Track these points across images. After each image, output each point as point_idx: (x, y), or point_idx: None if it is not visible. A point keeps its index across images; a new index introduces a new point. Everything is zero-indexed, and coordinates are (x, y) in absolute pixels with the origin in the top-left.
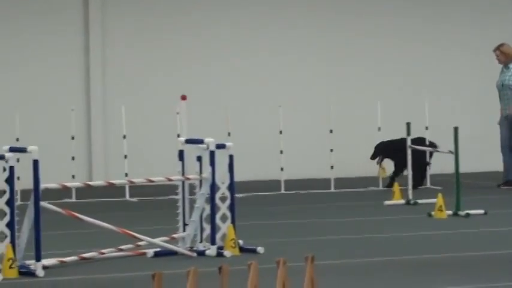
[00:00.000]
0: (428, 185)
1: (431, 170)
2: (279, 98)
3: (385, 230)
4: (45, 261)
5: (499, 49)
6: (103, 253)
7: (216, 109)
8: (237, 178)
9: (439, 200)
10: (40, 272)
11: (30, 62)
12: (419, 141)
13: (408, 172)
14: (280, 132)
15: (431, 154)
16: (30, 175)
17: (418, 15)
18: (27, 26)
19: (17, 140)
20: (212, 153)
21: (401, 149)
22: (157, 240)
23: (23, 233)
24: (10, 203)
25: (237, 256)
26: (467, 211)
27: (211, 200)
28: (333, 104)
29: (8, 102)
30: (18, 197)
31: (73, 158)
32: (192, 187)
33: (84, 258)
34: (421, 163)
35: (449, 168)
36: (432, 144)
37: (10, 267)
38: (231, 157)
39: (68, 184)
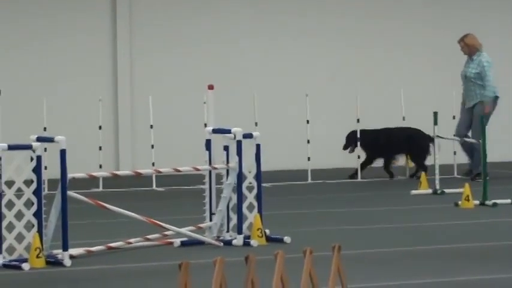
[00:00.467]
0: (455, 174)
1: (458, 160)
2: (307, 87)
3: (412, 219)
4: (72, 251)
5: (463, 40)
6: (130, 243)
7: (243, 99)
8: (263, 168)
9: (466, 190)
10: (67, 262)
11: (57, 53)
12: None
13: (435, 161)
14: (307, 121)
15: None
16: (57, 165)
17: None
18: (55, 17)
19: (45, 129)
20: (239, 143)
21: (374, 139)
22: (184, 230)
23: (50, 223)
24: (37, 192)
25: (263, 246)
26: (494, 201)
27: (238, 189)
28: (360, 93)
29: (36, 92)
30: (45, 186)
31: (100, 148)
32: (218, 177)
33: (111, 248)
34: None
35: None
36: (430, 137)
37: (37, 257)
38: (257, 147)
39: (95, 174)
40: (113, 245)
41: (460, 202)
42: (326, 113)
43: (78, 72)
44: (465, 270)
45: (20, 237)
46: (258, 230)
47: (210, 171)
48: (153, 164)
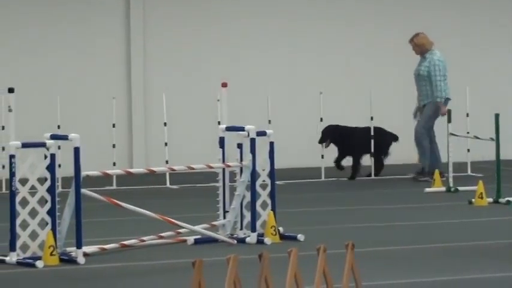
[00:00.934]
0: (469, 172)
1: (472, 158)
2: (321, 84)
3: (425, 217)
4: (86, 249)
5: (413, 40)
6: (143, 240)
7: (257, 96)
8: (277, 165)
9: (479, 187)
10: (81, 259)
11: (71, 51)
12: (379, 131)
13: (448, 159)
14: (321, 119)
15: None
16: (71, 163)
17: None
18: (69, 16)
19: (58, 127)
20: (253, 141)
21: (348, 136)
22: (197, 228)
23: (64, 220)
24: (51, 190)
25: (277, 243)
26: (508, 198)
27: (251, 187)
28: (373, 90)
29: (50, 90)
30: (59, 184)
31: (114, 146)
32: (232, 174)
33: (124, 246)
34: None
35: (490, 156)
36: (394, 136)
37: (51, 255)
38: (271, 144)
39: (109, 171)
40: (126, 242)
41: (473, 200)
42: (340, 111)
43: (91, 71)
44: (479, 268)
45: (33, 235)
46: (271, 227)
47: (223, 169)
48: (166, 162)
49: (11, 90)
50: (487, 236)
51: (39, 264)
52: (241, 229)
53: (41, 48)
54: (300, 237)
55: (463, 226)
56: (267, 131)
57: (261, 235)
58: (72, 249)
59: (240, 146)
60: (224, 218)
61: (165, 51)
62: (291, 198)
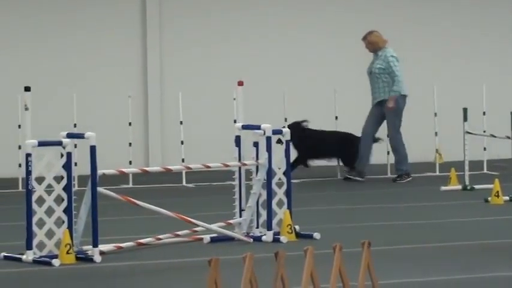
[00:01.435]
0: (485, 170)
1: (488, 156)
2: (336, 82)
3: (442, 215)
4: (102, 247)
5: (366, 38)
6: (159, 239)
7: (273, 95)
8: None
9: (495, 186)
10: (97, 258)
11: (87, 49)
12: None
13: (465, 157)
14: (336, 118)
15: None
16: (87, 161)
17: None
18: (85, 13)
19: (75, 126)
20: (269, 139)
21: (306, 138)
22: (213, 226)
23: (80, 219)
24: (67, 188)
25: (293, 242)
26: None
27: (267, 185)
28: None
29: (66, 89)
30: (75, 182)
31: (130, 144)
32: (248, 173)
33: (140, 244)
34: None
35: (506, 154)
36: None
37: (67, 253)
38: (287, 143)
39: (125, 170)
40: (142, 241)
41: (489, 198)
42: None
43: (108, 69)
44: (495, 267)
45: (50, 234)
46: (287, 226)
47: (239, 168)
48: (182, 160)
49: (27, 89)
50: (503, 234)
51: (56, 262)
52: (257, 227)
53: (58, 46)
54: (316, 235)
55: (478, 224)
56: (283, 129)
57: (277, 233)
58: (88, 248)
59: (256, 144)
60: (240, 216)
61: (181, 49)
62: (306, 197)
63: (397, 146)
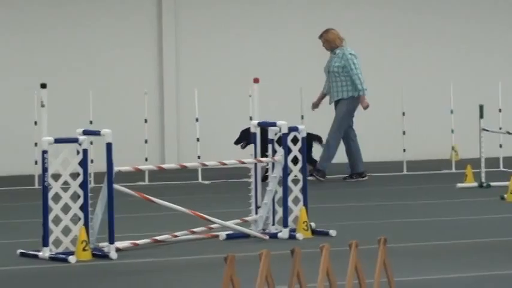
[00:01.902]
0: (501, 167)
1: (504, 153)
2: None
3: (458, 212)
4: (119, 244)
5: (322, 36)
6: (176, 236)
7: (289, 92)
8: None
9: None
10: (113, 255)
11: (103, 46)
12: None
13: (481, 155)
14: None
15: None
16: (103, 158)
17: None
18: (101, 11)
19: (91, 123)
20: (285, 136)
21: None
22: (229, 223)
23: (97, 216)
24: (84, 185)
25: (309, 239)
26: None
27: (283, 182)
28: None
29: (82, 86)
30: (91, 179)
31: (146, 141)
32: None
33: (157, 241)
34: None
35: None
36: (316, 137)
37: (84, 250)
38: (302, 140)
39: (141, 167)
40: (158, 238)
41: (505, 195)
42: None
43: (123, 66)
44: (511, 264)
45: (66, 230)
46: (303, 223)
47: (255, 164)
48: (198, 157)
49: (43, 86)
50: None
51: (72, 259)
52: (273, 224)
53: (73, 43)
54: (332, 232)
55: (494, 222)
56: (298, 126)
57: (293, 230)
58: (104, 245)
59: (271, 141)
60: (256, 213)
61: (197, 46)
62: (322, 194)
63: (332, 145)
